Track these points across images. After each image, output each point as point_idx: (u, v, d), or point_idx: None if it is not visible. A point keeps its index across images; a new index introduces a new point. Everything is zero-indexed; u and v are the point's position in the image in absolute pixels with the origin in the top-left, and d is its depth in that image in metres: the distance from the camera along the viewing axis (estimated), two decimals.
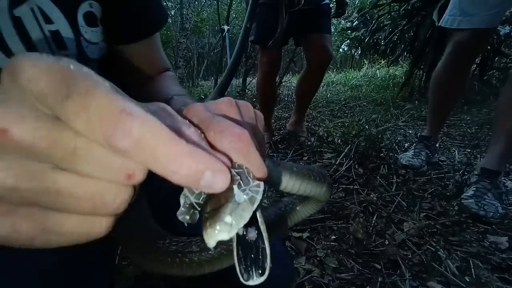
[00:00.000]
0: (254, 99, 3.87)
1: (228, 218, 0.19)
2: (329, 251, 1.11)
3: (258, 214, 0.22)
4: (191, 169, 0.16)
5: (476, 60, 3.36)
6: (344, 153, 1.90)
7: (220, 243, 0.24)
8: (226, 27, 3.31)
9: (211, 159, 0.17)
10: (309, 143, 2.21)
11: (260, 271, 0.21)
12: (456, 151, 1.98)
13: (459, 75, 1.63)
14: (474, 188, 1.36)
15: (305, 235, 1.20)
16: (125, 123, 0.14)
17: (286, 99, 4.12)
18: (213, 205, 0.20)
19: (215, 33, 8.76)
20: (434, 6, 3.00)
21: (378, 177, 1.64)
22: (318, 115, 3.18)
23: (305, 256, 1.09)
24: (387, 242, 1.15)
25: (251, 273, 0.21)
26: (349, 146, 1.97)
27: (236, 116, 0.26)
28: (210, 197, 0.21)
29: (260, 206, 0.22)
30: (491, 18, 1.43)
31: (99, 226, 0.17)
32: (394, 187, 1.54)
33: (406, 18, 3.77)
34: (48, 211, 0.16)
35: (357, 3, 7.36)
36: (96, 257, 0.49)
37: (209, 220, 0.19)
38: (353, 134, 2.18)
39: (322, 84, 3.14)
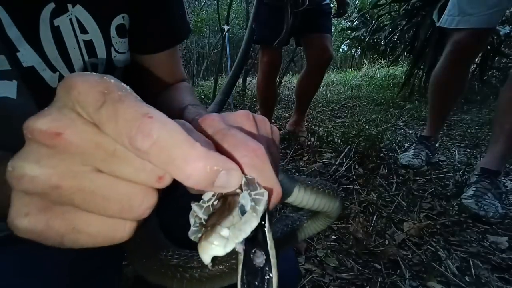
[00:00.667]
0: (254, 99, 3.87)
1: (224, 231, 0.17)
2: (329, 251, 1.11)
3: (269, 237, 0.20)
4: (206, 171, 0.17)
5: (476, 60, 3.36)
6: (344, 153, 1.90)
7: (223, 261, 0.22)
8: (226, 27, 3.31)
9: (224, 159, 0.18)
10: (309, 143, 2.21)
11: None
12: (456, 151, 1.98)
13: (459, 75, 1.63)
14: (474, 188, 1.36)
15: None
16: (146, 125, 0.16)
17: (286, 99, 4.12)
18: (215, 219, 0.19)
19: (215, 33, 8.74)
20: (434, 6, 3.00)
21: (378, 177, 1.64)
22: (318, 115, 3.17)
23: (305, 256, 1.10)
24: (387, 242, 1.15)
25: None
26: (349, 146, 1.97)
27: (252, 130, 0.26)
28: (215, 212, 0.20)
29: (270, 227, 0.21)
30: (490, 18, 1.43)
31: (123, 230, 0.18)
32: (394, 187, 1.54)
33: (406, 18, 3.76)
34: (80, 211, 0.18)
35: (357, 3, 7.35)
36: (111, 252, 0.53)
37: (205, 233, 0.18)
38: (353, 134, 2.18)
39: (322, 84, 3.14)
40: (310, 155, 1.98)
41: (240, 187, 0.20)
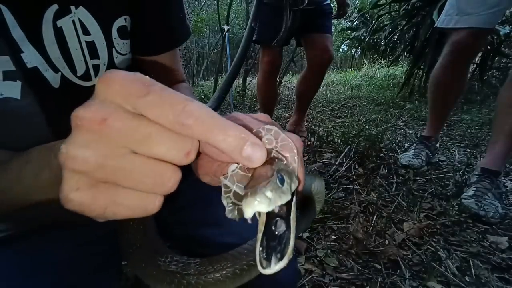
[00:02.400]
0: (254, 99, 3.87)
1: (268, 193, 0.20)
2: (329, 251, 1.11)
3: (293, 210, 0.23)
4: (236, 137, 0.21)
5: (476, 60, 3.36)
6: (344, 153, 1.90)
7: (218, 270, 0.27)
8: (226, 27, 3.31)
9: (251, 135, 0.22)
10: (309, 143, 2.21)
11: (279, 256, 0.21)
12: (456, 151, 1.98)
13: (458, 74, 1.63)
14: (474, 188, 1.36)
15: (305, 235, 1.20)
16: (189, 106, 0.20)
17: (286, 99, 4.12)
18: (253, 183, 0.22)
19: (215, 33, 8.75)
20: (434, 6, 3.00)
21: (378, 177, 1.64)
22: (318, 115, 3.17)
23: (305, 256, 1.10)
24: (387, 242, 1.15)
25: (270, 262, 0.21)
26: (349, 146, 1.97)
27: None
28: (251, 178, 0.23)
29: (295, 204, 0.24)
30: (490, 17, 1.43)
31: (154, 203, 0.22)
32: (394, 187, 1.54)
33: (406, 18, 3.76)
34: (119, 188, 0.21)
35: (357, 3, 7.35)
36: (111, 252, 0.55)
37: (250, 191, 0.20)
38: (353, 134, 2.18)
39: (322, 84, 3.14)
40: (310, 155, 1.98)
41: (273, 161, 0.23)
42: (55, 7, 0.43)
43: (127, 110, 0.20)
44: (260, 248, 0.22)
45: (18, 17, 0.40)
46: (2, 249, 0.46)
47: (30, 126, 0.42)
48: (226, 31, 3.30)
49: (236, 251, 0.33)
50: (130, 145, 0.20)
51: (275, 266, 0.21)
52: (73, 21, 0.45)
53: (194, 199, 0.61)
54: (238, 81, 4.66)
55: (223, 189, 0.24)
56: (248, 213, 0.20)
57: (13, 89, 0.42)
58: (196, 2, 8.77)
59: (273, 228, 0.23)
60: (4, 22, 0.39)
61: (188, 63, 8.54)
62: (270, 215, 0.23)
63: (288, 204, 0.23)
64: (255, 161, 0.22)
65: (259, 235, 0.22)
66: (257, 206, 0.19)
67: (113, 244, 0.58)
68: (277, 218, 0.23)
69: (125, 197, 0.21)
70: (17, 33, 0.41)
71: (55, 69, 0.46)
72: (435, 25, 1.72)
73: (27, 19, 0.41)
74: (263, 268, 0.21)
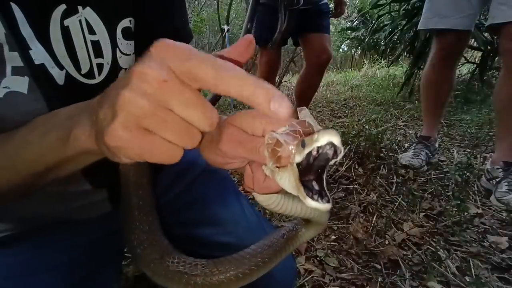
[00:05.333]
0: None
1: (335, 133, 0.24)
2: (329, 251, 1.11)
3: (325, 176, 0.27)
4: (265, 89, 0.24)
5: (476, 60, 3.35)
6: (344, 153, 1.89)
7: (222, 272, 0.32)
8: (226, 27, 3.32)
9: (277, 91, 0.25)
10: None
11: (327, 198, 0.25)
12: (456, 151, 1.98)
13: (446, 72, 1.71)
14: (506, 183, 1.36)
15: None
16: (227, 64, 0.24)
17: None
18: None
19: (215, 33, 8.75)
20: None
21: (378, 177, 1.64)
22: (318, 115, 3.17)
23: (305, 256, 1.10)
24: (387, 242, 1.15)
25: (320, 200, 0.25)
26: (349, 146, 1.97)
27: None
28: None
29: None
30: (463, 21, 1.54)
31: (179, 154, 0.26)
32: (394, 187, 1.54)
33: (406, 18, 3.76)
34: (156, 136, 0.25)
35: (357, 3, 7.35)
36: (110, 253, 0.57)
37: (323, 129, 0.25)
38: (353, 134, 2.18)
39: (322, 84, 3.14)
40: None
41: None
42: (63, 7, 0.44)
43: (177, 76, 0.24)
44: (305, 192, 0.25)
45: (28, 15, 0.41)
46: (2, 249, 0.46)
47: None
48: (226, 31, 3.30)
49: (239, 255, 0.35)
50: (173, 105, 0.24)
51: (325, 205, 0.25)
52: (80, 21, 0.47)
53: (193, 199, 0.61)
54: None
55: (266, 148, 0.29)
56: (323, 140, 0.23)
57: (21, 84, 0.43)
58: (196, 2, 8.77)
59: (310, 186, 0.26)
60: (14, 19, 0.40)
61: None
62: (303, 175, 0.26)
63: (322, 169, 0.27)
64: (282, 114, 0.24)
65: (298, 183, 0.26)
66: (334, 136, 0.23)
67: (113, 245, 0.58)
68: (313, 181, 0.26)
69: (159, 144, 0.25)
70: (26, 31, 0.42)
71: (61, 67, 0.47)
72: (417, 28, 1.81)
73: (36, 17, 0.42)
74: (314, 200, 0.25)
